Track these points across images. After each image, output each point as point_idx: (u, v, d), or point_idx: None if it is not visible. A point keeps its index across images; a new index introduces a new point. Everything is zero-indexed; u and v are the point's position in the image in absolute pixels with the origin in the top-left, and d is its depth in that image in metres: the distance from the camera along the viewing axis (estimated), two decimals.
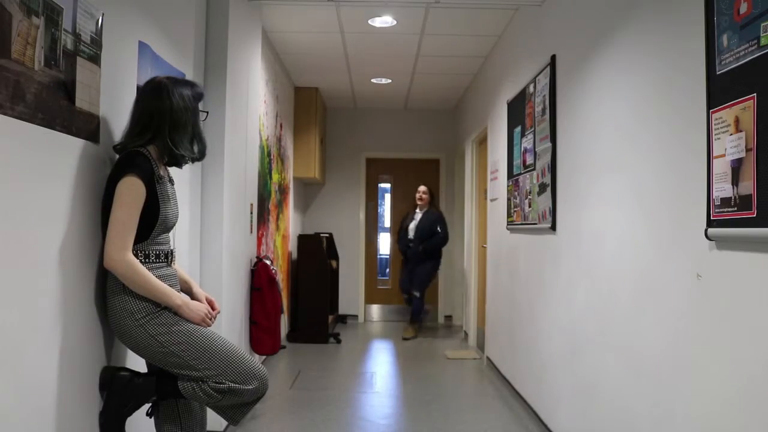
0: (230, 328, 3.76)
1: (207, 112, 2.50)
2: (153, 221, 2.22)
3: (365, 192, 8.77)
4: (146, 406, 2.39)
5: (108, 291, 2.20)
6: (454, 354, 6.44)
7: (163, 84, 2.28)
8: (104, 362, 2.32)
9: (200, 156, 2.41)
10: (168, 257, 2.32)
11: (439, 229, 7.32)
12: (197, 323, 2.26)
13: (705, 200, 2.03)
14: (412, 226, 7.43)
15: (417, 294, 7.37)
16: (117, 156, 2.26)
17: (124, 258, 2.11)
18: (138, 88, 2.55)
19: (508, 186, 4.96)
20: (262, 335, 4.27)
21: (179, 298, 2.23)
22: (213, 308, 2.44)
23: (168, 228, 2.31)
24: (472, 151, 7.05)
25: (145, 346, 2.20)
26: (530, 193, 4.27)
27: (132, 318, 2.17)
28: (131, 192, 2.13)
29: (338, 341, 7.09)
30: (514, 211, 4.71)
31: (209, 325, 2.31)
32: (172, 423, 2.38)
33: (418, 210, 7.53)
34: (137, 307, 2.17)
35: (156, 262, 2.25)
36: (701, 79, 2.06)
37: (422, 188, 7.56)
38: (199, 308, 2.28)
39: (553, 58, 3.84)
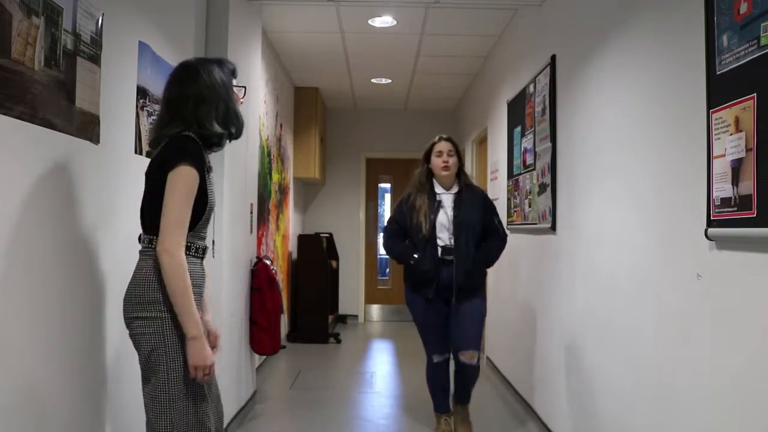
0: (230, 328, 3.76)
1: (245, 87, 2.29)
2: (200, 211, 2.03)
3: (365, 192, 8.77)
4: None
5: (143, 274, 1.99)
6: None
7: (190, 65, 2.12)
8: (103, 363, 2.32)
9: (237, 135, 2.18)
10: (204, 253, 2.12)
11: (495, 220, 3.70)
12: (191, 365, 1.93)
13: (705, 200, 2.03)
14: (442, 219, 3.60)
15: (475, 357, 3.57)
16: (153, 150, 2.10)
17: (178, 256, 1.93)
18: (138, 88, 2.55)
19: (508, 186, 4.96)
20: (262, 335, 4.27)
21: (199, 330, 1.94)
22: (214, 345, 2.17)
23: (209, 220, 2.12)
24: (472, 151, 7.05)
25: (146, 339, 1.96)
26: (530, 193, 4.27)
27: (155, 307, 1.95)
28: (187, 183, 1.95)
29: (338, 341, 7.09)
30: (514, 211, 4.71)
31: (199, 381, 1.97)
32: None
33: (439, 188, 3.70)
34: (165, 297, 1.95)
35: (194, 256, 2.05)
36: (701, 79, 2.06)
37: (445, 146, 3.69)
38: (206, 358, 1.95)
39: (553, 58, 3.84)
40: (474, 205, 3.62)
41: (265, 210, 5.71)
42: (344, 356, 6.43)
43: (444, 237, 3.56)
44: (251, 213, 4.39)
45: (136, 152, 2.58)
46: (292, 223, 7.35)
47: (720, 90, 1.96)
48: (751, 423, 1.82)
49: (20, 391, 1.80)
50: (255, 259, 4.42)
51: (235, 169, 3.89)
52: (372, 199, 8.92)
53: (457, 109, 8.42)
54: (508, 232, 3.72)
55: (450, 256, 3.53)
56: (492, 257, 3.66)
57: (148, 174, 2.04)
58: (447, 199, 3.64)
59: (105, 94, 2.25)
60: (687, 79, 2.20)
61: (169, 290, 1.93)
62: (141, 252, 2.04)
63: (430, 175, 3.69)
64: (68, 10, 1.98)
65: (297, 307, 7.06)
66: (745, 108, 1.82)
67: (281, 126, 6.58)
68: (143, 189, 2.07)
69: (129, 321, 2.00)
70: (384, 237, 3.77)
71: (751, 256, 1.84)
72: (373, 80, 7.19)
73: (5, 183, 1.72)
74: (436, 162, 3.65)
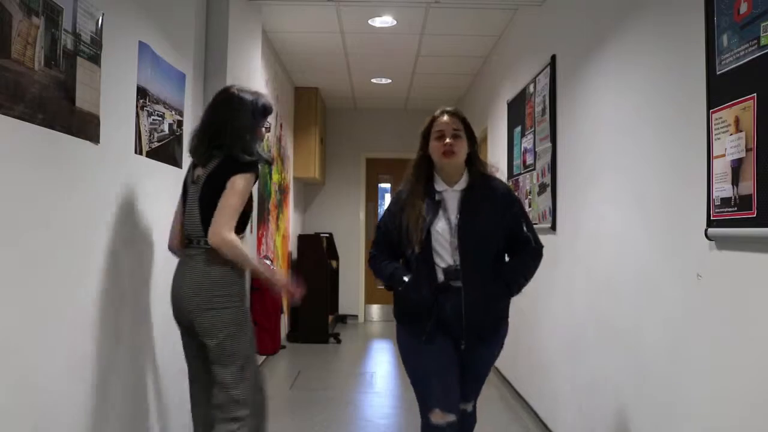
0: None
1: (270, 124, 2.73)
2: (245, 217, 2.48)
3: (365, 192, 8.77)
4: None
5: (214, 276, 2.40)
6: None
7: (233, 95, 2.53)
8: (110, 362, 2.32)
9: (267, 164, 2.62)
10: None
11: (525, 227, 2.56)
12: (283, 287, 2.65)
13: (705, 200, 2.03)
14: (441, 227, 2.46)
15: (470, 405, 2.77)
16: (191, 157, 2.57)
17: (231, 237, 2.36)
18: (138, 88, 2.55)
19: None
20: (262, 335, 4.26)
21: (272, 274, 2.66)
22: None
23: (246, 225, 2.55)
24: None
25: (220, 329, 2.38)
26: (530, 193, 4.27)
27: (229, 299, 2.40)
28: (247, 186, 2.42)
29: (338, 341, 7.09)
30: None
31: (292, 295, 2.63)
32: None
33: (440, 183, 2.54)
34: (234, 291, 2.42)
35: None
36: (701, 79, 2.06)
37: (448, 122, 2.52)
38: (284, 276, 2.66)
39: (553, 58, 3.84)
40: (491, 206, 2.45)
41: (265, 210, 5.71)
42: (344, 356, 6.43)
43: (444, 254, 2.41)
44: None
45: (136, 152, 2.58)
46: (292, 223, 7.35)
47: (720, 90, 1.96)
48: (751, 422, 1.82)
49: (21, 391, 1.80)
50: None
51: None
52: (372, 199, 8.92)
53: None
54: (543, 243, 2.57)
55: (457, 281, 2.38)
56: (520, 278, 2.49)
57: (207, 182, 2.46)
58: (451, 198, 2.47)
59: (105, 94, 2.25)
60: (687, 79, 2.20)
61: (236, 261, 2.42)
62: (201, 250, 2.45)
63: (428, 164, 2.53)
64: (68, 10, 1.98)
65: (297, 307, 7.06)
66: (745, 108, 1.82)
67: (281, 126, 6.58)
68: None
69: (200, 312, 2.39)
70: (370, 254, 2.65)
71: (751, 256, 1.84)
72: (373, 80, 7.19)
73: (5, 183, 1.72)
74: (435, 146, 2.48)
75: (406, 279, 2.45)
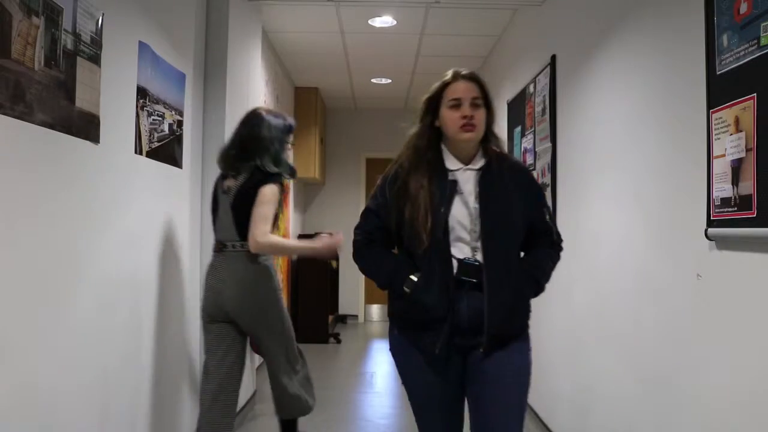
0: None
1: (293, 144, 3.10)
2: (275, 219, 2.82)
3: (365, 192, 8.76)
4: None
5: (254, 274, 2.81)
6: None
7: (260, 115, 2.90)
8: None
9: (290, 175, 2.97)
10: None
11: (547, 215, 2.17)
12: (335, 248, 2.97)
13: (705, 200, 2.03)
14: (459, 214, 2.01)
15: None
16: (220, 167, 2.93)
17: (267, 240, 2.73)
18: (138, 88, 2.55)
19: None
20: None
21: (312, 248, 2.99)
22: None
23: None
24: None
25: (272, 317, 2.86)
26: None
27: (274, 293, 2.85)
28: (275, 195, 2.78)
29: (338, 341, 7.09)
30: None
31: (336, 248, 2.98)
32: None
33: (452, 161, 2.07)
34: (273, 283, 2.85)
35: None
36: (701, 79, 2.06)
37: (467, 88, 2.05)
38: (323, 241, 2.96)
39: (553, 58, 3.84)
40: (513, 188, 2.05)
41: None
42: (344, 356, 6.43)
43: (461, 245, 1.98)
44: None
45: (136, 152, 2.58)
46: (292, 223, 7.35)
47: (720, 90, 1.96)
48: (752, 422, 1.82)
49: (21, 391, 1.80)
50: None
51: None
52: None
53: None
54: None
55: (474, 277, 1.96)
56: (546, 273, 2.13)
57: (238, 194, 2.81)
58: (466, 179, 2.03)
59: (105, 94, 2.25)
60: (687, 79, 2.20)
61: (284, 254, 3.18)
62: (237, 253, 2.82)
63: (436, 138, 2.09)
64: (68, 10, 1.98)
65: (297, 307, 7.06)
66: (745, 108, 1.82)
67: None
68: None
69: (257, 304, 2.81)
70: (354, 241, 2.14)
71: (751, 256, 1.84)
72: (373, 80, 7.19)
73: (5, 183, 1.72)
74: (451, 117, 2.03)
75: (414, 278, 1.96)
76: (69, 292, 2.06)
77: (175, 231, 3.09)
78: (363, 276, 8.27)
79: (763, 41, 1.75)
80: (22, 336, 1.81)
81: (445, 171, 2.04)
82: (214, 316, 2.84)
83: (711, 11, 2.01)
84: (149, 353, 2.77)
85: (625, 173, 2.78)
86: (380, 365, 6.08)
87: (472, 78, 2.08)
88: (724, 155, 1.92)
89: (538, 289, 2.09)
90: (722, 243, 1.98)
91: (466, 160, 2.06)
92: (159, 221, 2.87)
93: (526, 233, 2.07)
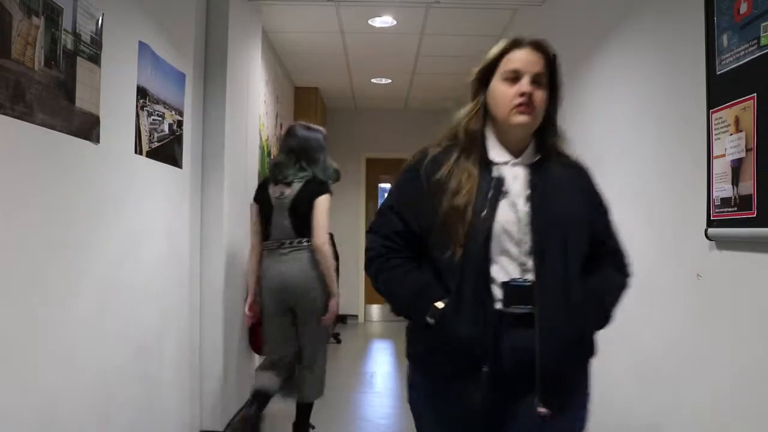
0: (230, 328, 3.76)
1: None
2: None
3: (365, 192, 8.76)
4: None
5: (310, 266, 3.28)
6: None
7: (302, 129, 3.46)
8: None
9: (335, 179, 3.46)
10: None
11: (612, 228, 1.69)
12: (331, 315, 3.35)
13: (705, 200, 2.03)
14: (506, 217, 1.51)
15: None
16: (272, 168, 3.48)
17: (326, 248, 3.27)
18: (138, 88, 2.55)
19: None
20: (262, 335, 4.26)
21: (333, 291, 3.34)
22: None
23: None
24: None
25: (318, 310, 3.30)
26: None
27: (321, 281, 3.28)
28: (328, 204, 3.30)
29: (338, 341, 7.09)
30: None
31: (328, 324, 3.41)
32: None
33: (498, 152, 1.61)
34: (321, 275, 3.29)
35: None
36: (701, 79, 2.06)
37: (530, 59, 1.68)
38: (333, 311, 3.38)
39: (553, 58, 3.84)
40: (574, 193, 1.62)
41: None
42: (344, 356, 6.43)
43: (508, 262, 1.52)
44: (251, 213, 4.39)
45: (136, 152, 2.58)
46: None
47: (720, 90, 1.96)
48: (752, 422, 1.82)
49: (21, 391, 1.80)
50: None
51: (235, 169, 3.89)
52: (372, 199, 8.92)
53: (458, 110, 8.41)
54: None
55: (526, 305, 1.49)
56: (615, 302, 1.68)
57: (297, 200, 3.31)
58: (514, 177, 1.58)
59: (105, 94, 2.25)
60: (687, 79, 2.20)
61: (328, 265, 3.30)
62: (297, 248, 3.31)
63: (483, 120, 1.64)
64: (68, 10, 1.98)
65: None
66: (745, 108, 1.82)
67: (281, 126, 6.58)
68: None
69: (311, 294, 3.27)
70: (368, 250, 1.71)
71: (751, 256, 1.84)
72: (373, 80, 7.19)
73: (5, 183, 1.72)
74: (504, 93, 1.61)
75: (441, 305, 1.49)
76: (69, 292, 2.06)
77: (175, 231, 3.09)
78: (363, 276, 8.32)
79: (763, 41, 1.75)
80: (22, 336, 1.81)
81: (489, 164, 1.57)
82: (280, 302, 3.33)
83: (711, 11, 2.01)
84: (149, 353, 2.77)
85: (625, 173, 2.78)
86: (380, 365, 6.08)
87: (540, 47, 1.67)
88: (724, 155, 1.92)
89: (605, 321, 1.63)
90: (722, 243, 1.98)
91: (516, 153, 1.61)
92: (159, 221, 2.87)
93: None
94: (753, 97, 1.78)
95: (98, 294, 2.26)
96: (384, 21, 5.19)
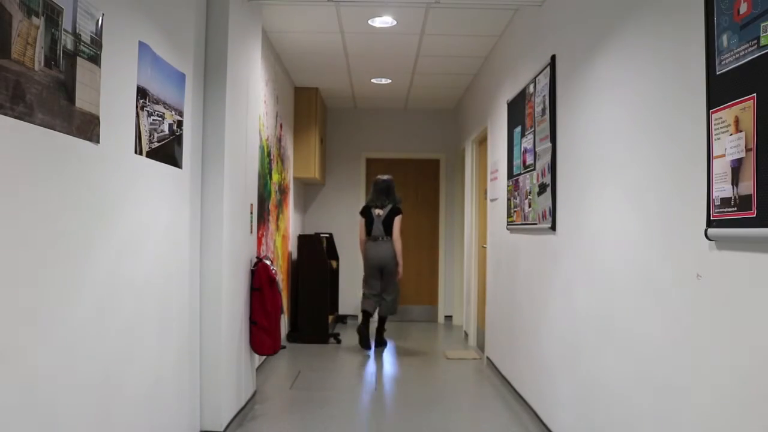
0: (230, 328, 3.76)
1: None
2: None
3: (365, 192, 8.76)
4: None
5: (391, 249, 6.59)
6: (454, 354, 6.44)
7: (385, 180, 6.77)
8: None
9: (401, 203, 6.89)
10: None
11: None
12: (399, 275, 6.72)
13: (705, 200, 2.03)
14: None
15: None
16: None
17: (400, 242, 6.58)
18: (138, 88, 2.55)
19: (508, 186, 4.96)
20: (262, 335, 4.27)
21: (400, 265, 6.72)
22: None
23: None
24: (472, 152, 7.05)
25: (394, 272, 6.62)
26: (530, 193, 4.27)
27: (396, 261, 6.62)
28: (401, 220, 6.66)
29: (338, 341, 7.09)
30: (514, 211, 4.71)
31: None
32: None
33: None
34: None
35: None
36: (701, 79, 2.06)
37: None
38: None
39: (553, 58, 3.84)
40: None
41: (265, 210, 5.71)
42: (344, 356, 6.43)
43: None
44: (251, 213, 4.39)
45: (136, 152, 2.58)
46: (292, 224, 7.35)
47: (720, 90, 1.96)
48: (752, 422, 1.82)
49: (21, 391, 1.80)
50: (255, 259, 4.42)
51: (235, 169, 3.89)
52: None
53: (457, 109, 8.42)
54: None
55: None
56: None
57: (387, 217, 6.64)
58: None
59: (105, 94, 2.25)
60: (687, 79, 2.20)
61: (400, 251, 6.60)
62: (385, 240, 6.58)
63: None
64: (68, 10, 1.99)
65: (297, 307, 7.06)
66: (745, 108, 1.82)
67: (281, 126, 6.58)
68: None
69: (391, 263, 6.59)
70: None
71: (751, 256, 1.84)
72: (373, 80, 7.20)
73: (5, 183, 1.72)
74: None
75: None
76: (69, 292, 2.06)
77: (175, 231, 3.09)
78: (363, 276, 8.34)
79: (763, 41, 1.75)
80: (22, 336, 1.81)
81: None
82: (376, 268, 6.59)
83: (711, 11, 2.01)
84: (150, 353, 2.77)
85: (625, 173, 2.78)
86: (380, 365, 6.08)
87: None
88: (724, 155, 1.92)
89: None
90: (722, 243, 1.98)
91: None
92: (159, 221, 2.87)
93: None
94: (753, 97, 1.78)
95: (98, 294, 2.26)
96: (384, 21, 5.19)
